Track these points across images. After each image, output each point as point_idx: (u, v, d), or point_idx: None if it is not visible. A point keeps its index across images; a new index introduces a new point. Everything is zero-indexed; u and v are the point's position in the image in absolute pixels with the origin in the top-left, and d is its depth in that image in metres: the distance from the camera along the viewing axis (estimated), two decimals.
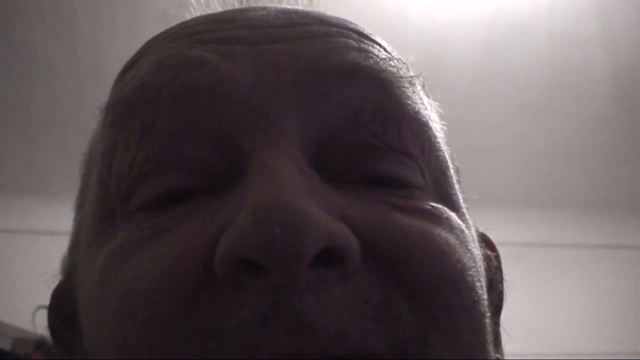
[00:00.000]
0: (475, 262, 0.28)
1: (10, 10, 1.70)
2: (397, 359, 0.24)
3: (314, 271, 0.23)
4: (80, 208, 0.34)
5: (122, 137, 0.29)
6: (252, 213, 0.23)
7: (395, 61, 0.31)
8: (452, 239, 0.27)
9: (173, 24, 0.33)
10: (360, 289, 0.24)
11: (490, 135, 2.18)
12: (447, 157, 0.32)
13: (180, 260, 0.25)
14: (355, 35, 0.31)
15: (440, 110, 0.35)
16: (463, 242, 0.28)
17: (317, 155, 0.27)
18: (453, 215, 0.29)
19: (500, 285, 0.35)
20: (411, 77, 0.31)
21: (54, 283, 0.36)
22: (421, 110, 0.30)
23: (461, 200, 0.32)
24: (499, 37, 1.90)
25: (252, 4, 0.34)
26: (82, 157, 0.35)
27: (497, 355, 0.33)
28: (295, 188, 0.24)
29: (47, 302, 0.35)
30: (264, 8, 0.32)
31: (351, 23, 0.32)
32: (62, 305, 0.33)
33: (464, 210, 0.32)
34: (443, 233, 0.27)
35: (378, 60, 0.30)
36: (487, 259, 0.33)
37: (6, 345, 1.36)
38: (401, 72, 0.30)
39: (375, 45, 0.31)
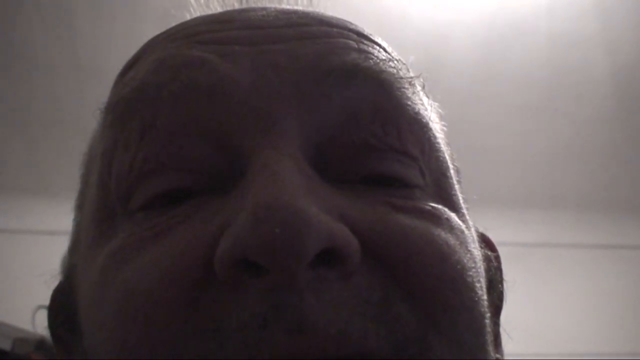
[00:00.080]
0: (475, 262, 0.28)
1: (10, 10, 1.70)
2: (397, 359, 0.24)
3: (314, 271, 0.23)
4: (80, 208, 0.34)
5: (122, 137, 0.29)
6: (252, 213, 0.23)
7: (395, 62, 0.31)
8: (452, 240, 0.27)
9: (173, 24, 0.33)
10: (360, 289, 0.24)
11: (490, 135, 2.18)
12: (447, 157, 0.32)
13: (180, 260, 0.25)
14: (355, 36, 0.31)
15: (440, 110, 0.35)
16: (463, 242, 0.28)
17: (317, 156, 0.27)
18: (453, 215, 0.29)
19: (500, 285, 0.35)
20: (411, 77, 0.31)
21: (54, 283, 0.36)
22: (421, 111, 0.30)
23: (461, 201, 0.32)
24: (499, 37, 1.90)
25: (252, 5, 0.34)
26: (82, 157, 0.35)
27: (497, 355, 0.33)
28: (295, 188, 0.24)
29: (47, 302, 0.35)
30: (264, 8, 0.32)
31: (351, 24, 0.32)
32: (62, 305, 0.33)
33: (464, 210, 0.32)
34: (443, 234, 0.27)
35: (378, 61, 0.30)
36: (487, 259, 0.33)
37: (6, 345, 1.36)
38: (401, 73, 0.30)
39: (375, 46, 0.31)
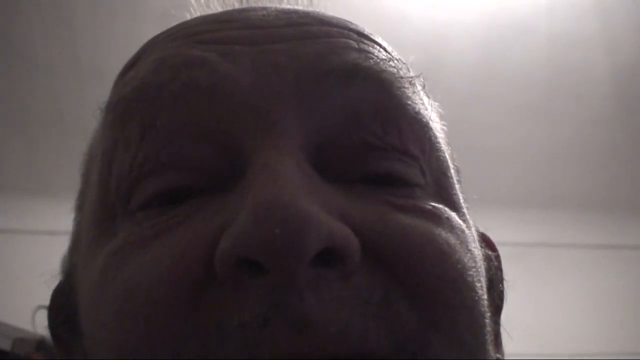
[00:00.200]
0: (475, 262, 0.28)
1: (10, 10, 1.70)
2: (397, 359, 0.24)
3: (314, 271, 0.23)
4: (80, 208, 0.34)
5: (122, 137, 0.29)
6: (252, 213, 0.23)
7: (396, 61, 0.31)
8: (452, 239, 0.27)
9: (173, 24, 0.33)
10: (361, 289, 0.24)
11: (490, 135, 2.18)
12: (447, 157, 0.32)
13: (181, 260, 0.25)
14: (355, 36, 0.31)
15: (440, 110, 0.35)
16: (463, 242, 0.28)
17: (317, 156, 0.27)
18: (453, 215, 0.29)
19: (500, 285, 0.35)
20: (411, 77, 0.31)
21: (54, 283, 0.36)
22: (421, 111, 0.30)
23: (461, 200, 0.32)
24: (499, 37, 1.90)
25: (252, 4, 0.34)
26: (83, 157, 0.35)
27: (498, 355, 0.33)
28: (296, 188, 0.24)
29: (47, 302, 0.35)
30: (264, 8, 0.32)
31: (351, 23, 0.32)
32: (62, 305, 0.33)
33: (465, 210, 0.32)
34: (443, 233, 0.27)
35: (378, 60, 0.30)
36: (487, 258, 0.33)
37: (6, 345, 1.36)
38: (401, 73, 0.30)
39: (375, 46, 0.31)
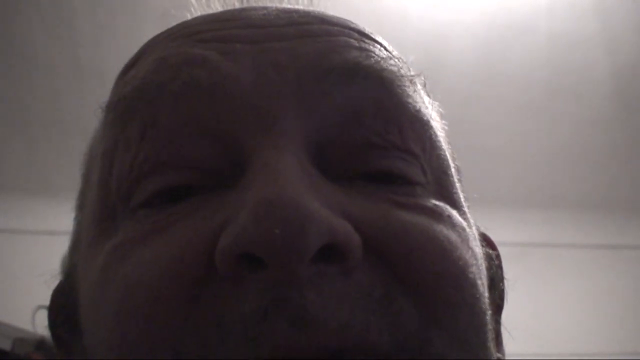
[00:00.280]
0: (476, 259, 0.28)
1: (10, 10, 1.70)
2: (398, 355, 0.24)
3: (316, 267, 0.23)
4: (81, 208, 0.34)
5: (122, 136, 0.29)
6: (253, 210, 0.23)
7: (396, 60, 0.31)
8: (453, 236, 0.27)
9: (173, 24, 0.33)
10: (362, 285, 0.24)
11: (490, 135, 2.18)
12: (448, 156, 0.32)
13: (181, 257, 0.25)
14: (356, 35, 0.31)
15: (440, 110, 0.35)
16: (464, 239, 0.28)
17: (318, 154, 0.27)
18: (454, 213, 0.29)
19: (501, 284, 0.35)
20: (412, 76, 0.31)
21: (54, 283, 0.36)
22: (422, 109, 0.30)
23: (462, 199, 0.32)
24: (499, 37, 1.90)
25: (253, 4, 0.34)
26: (83, 156, 0.35)
27: (499, 355, 0.33)
28: (297, 185, 0.24)
29: (47, 302, 0.35)
30: (265, 8, 0.32)
31: (352, 22, 0.32)
32: (62, 305, 0.33)
33: (465, 209, 0.32)
34: (445, 230, 0.27)
35: (379, 59, 0.29)
36: (488, 257, 0.33)
37: (6, 345, 1.36)
38: (402, 71, 0.30)
39: (376, 45, 0.31)
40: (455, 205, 0.30)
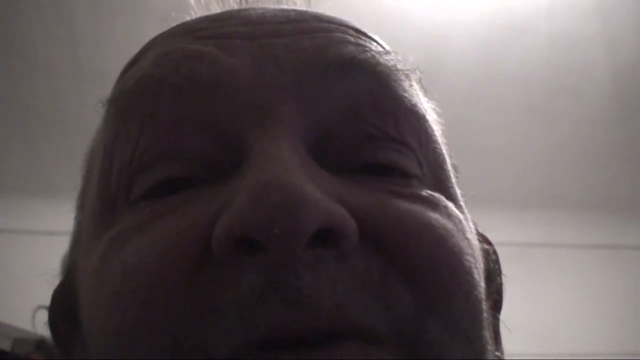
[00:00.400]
0: (472, 249, 0.28)
1: (10, 10, 1.70)
2: (394, 340, 0.24)
3: (312, 251, 0.23)
4: (81, 208, 0.34)
5: (123, 130, 0.29)
6: (250, 193, 0.23)
7: (392, 55, 0.31)
8: (449, 225, 0.28)
9: (173, 24, 0.33)
10: (358, 271, 0.24)
11: (490, 135, 2.18)
12: (444, 150, 0.32)
13: (178, 241, 0.25)
14: (352, 32, 0.31)
15: (440, 110, 0.35)
16: (461, 229, 0.29)
17: (315, 146, 0.28)
18: (451, 204, 0.30)
19: (498, 278, 0.35)
20: (407, 70, 0.31)
21: (54, 283, 0.36)
22: (418, 104, 0.31)
23: (459, 195, 0.32)
24: (499, 37, 1.90)
25: (251, 5, 0.34)
26: (84, 157, 0.35)
27: (497, 353, 0.33)
28: (294, 170, 0.24)
29: (47, 302, 0.35)
30: (263, 8, 0.33)
31: (348, 21, 0.33)
32: (62, 301, 0.34)
33: (462, 203, 0.32)
34: (441, 219, 0.27)
35: (374, 53, 0.30)
36: (485, 252, 0.33)
37: (6, 345, 1.36)
38: (397, 66, 0.31)
39: (372, 42, 0.32)
40: (452, 198, 0.31)
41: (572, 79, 2.03)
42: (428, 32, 1.85)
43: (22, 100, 1.94)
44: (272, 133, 0.26)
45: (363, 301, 0.24)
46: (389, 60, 0.30)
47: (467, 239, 0.29)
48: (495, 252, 0.36)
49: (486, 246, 0.34)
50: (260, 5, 0.34)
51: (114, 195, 0.29)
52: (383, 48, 0.32)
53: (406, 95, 0.30)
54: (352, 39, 0.30)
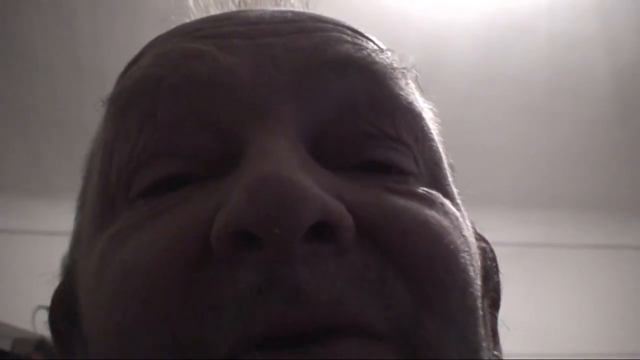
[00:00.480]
0: (468, 246, 0.29)
1: (10, 10, 1.70)
2: (392, 335, 0.24)
3: (309, 246, 0.23)
4: (81, 208, 0.34)
5: (122, 128, 0.29)
6: (246, 188, 0.23)
7: (388, 54, 0.31)
8: (445, 222, 0.28)
9: (173, 26, 0.34)
10: (355, 266, 0.24)
11: (490, 135, 2.18)
12: (440, 149, 0.32)
13: (177, 239, 0.25)
14: (349, 31, 0.32)
15: (440, 110, 0.35)
16: (457, 227, 0.29)
17: (313, 143, 0.28)
18: (447, 202, 0.30)
19: (496, 276, 0.36)
20: (403, 69, 0.31)
21: (54, 283, 0.36)
22: (414, 102, 0.31)
23: (455, 193, 0.32)
24: (499, 37, 1.90)
25: (250, 7, 0.35)
26: (84, 158, 0.35)
27: (495, 352, 0.33)
28: (291, 165, 0.24)
29: (47, 302, 0.35)
30: (261, 9, 0.33)
31: (345, 21, 0.33)
32: (62, 302, 0.34)
33: (459, 201, 0.32)
34: (437, 215, 0.28)
35: (371, 52, 0.30)
36: (482, 250, 0.33)
37: (6, 345, 1.36)
38: (394, 64, 0.31)
39: (369, 41, 0.32)
40: (448, 196, 0.31)
41: (572, 79, 2.03)
42: (428, 32, 1.85)
43: (22, 100, 1.94)
44: (270, 130, 0.27)
45: (361, 297, 0.24)
46: (385, 58, 0.31)
47: (463, 236, 0.29)
48: (492, 251, 0.36)
49: (483, 244, 0.35)
50: (258, 7, 0.34)
51: (113, 194, 0.29)
52: (379, 47, 0.32)
53: (402, 93, 0.30)
54: (349, 38, 0.31)
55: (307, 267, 0.23)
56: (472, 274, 0.28)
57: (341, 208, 0.24)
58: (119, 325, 0.25)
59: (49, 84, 1.90)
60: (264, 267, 0.23)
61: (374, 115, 0.29)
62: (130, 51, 0.34)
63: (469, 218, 0.33)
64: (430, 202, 0.28)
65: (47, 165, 2.12)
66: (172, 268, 0.24)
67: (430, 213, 0.27)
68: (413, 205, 0.27)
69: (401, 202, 0.27)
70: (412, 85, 0.32)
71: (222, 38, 0.30)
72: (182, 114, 0.28)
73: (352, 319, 0.23)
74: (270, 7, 0.34)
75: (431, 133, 0.32)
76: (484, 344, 0.28)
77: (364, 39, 0.32)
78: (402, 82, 0.31)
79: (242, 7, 0.35)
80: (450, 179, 0.32)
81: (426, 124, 0.32)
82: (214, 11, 0.35)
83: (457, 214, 0.30)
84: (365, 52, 0.30)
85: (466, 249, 0.28)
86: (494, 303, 0.35)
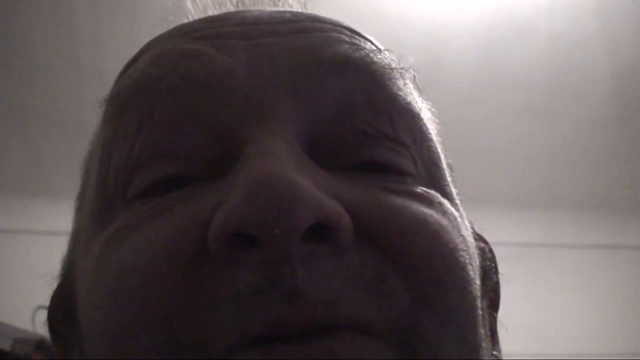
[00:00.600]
0: (467, 246, 0.29)
1: (10, 10, 1.70)
2: (391, 334, 0.24)
3: (307, 246, 0.23)
4: (79, 209, 0.34)
5: (121, 129, 0.29)
6: (244, 189, 0.23)
7: (386, 54, 0.31)
8: (444, 221, 0.28)
9: (172, 27, 0.34)
10: (353, 266, 0.24)
11: (490, 135, 2.18)
12: (439, 149, 0.32)
13: (174, 239, 0.25)
14: (347, 31, 0.32)
15: (440, 110, 0.35)
16: (456, 226, 0.29)
17: (311, 144, 0.28)
18: (446, 201, 0.30)
19: (494, 276, 0.36)
20: (401, 69, 0.31)
21: (54, 283, 0.36)
22: (412, 102, 0.31)
23: (454, 193, 0.32)
24: (499, 37, 1.90)
25: (248, 8, 0.35)
26: (83, 158, 0.35)
27: (494, 352, 0.33)
28: (288, 166, 0.24)
29: (47, 302, 0.35)
30: (259, 10, 0.33)
31: (343, 22, 0.33)
32: (61, 302, 0.34)
33: (457, 201, 0.32)
34: (435, 214, 0.28)
35: (369, 52, 0.30)
36: (481, 250, 0.33)
37: (6, 345, 1.36)
38: (391, 65, 0.31)
39: (367, 41, 0.32)
40: (447, 196, 0.31)
41: (572, 79, 2.03)
42: (428, 32, 1.85)
43: (22, 100, 1.94)
44: (268, 130, 0.27)
45: (359, 297, 0.24)
46: (383, 58, 0.31)
47: (462, 235, 0.29)
48: (491, 251, 0.36)
49: (482, 245, 0.35)
50: (256, 7, 0.34)
51: (111, 195, 0.29)
52: (377, 47, 0.32)
53: (400, 93, 0.30)
54: (347, 39, 0.31)
55: (304, 266, 0.23)
56: (471, 273, 0.28)
57: (339, 209, 0.24)
58: (117, 325, 0.25)
59: (49, 84, 1.90)
60: (262, 267, 0.23)
61: (371, 115, 0.29)
62: (130, 51, 0.34)
63: (468, 218, 0.33)
64: (429, 202, 0.28)
65: (47, 165, 2.12)
66: (170, 268, 0.24)
67: (429, 212, 0.27)
68: (411, 205, 0.27)
69: (399, 201, 0.27)
70: (410, 85, 0.32)
71: (220, 38, 0.30)
72: (181, 114, 0.28)
73: (351, 318, 0.23)
74: (269, 8, 0.34)
75: (429, 133, 0.32)
76: (483, 344, 0.28)
77: (362, 39, 0.32)
78: (400, 83, 0.31)
79: (240, 8, 0.35)
80: (448, 179, 0.32)
81: (424, 124, 0.32)
82: (212, 12, 0.35)
83: (456, 213, 0.30)
84: (363, 52, 0.30)
85: (465, 248, 0.28)
86: (493, 303, 0.35)
